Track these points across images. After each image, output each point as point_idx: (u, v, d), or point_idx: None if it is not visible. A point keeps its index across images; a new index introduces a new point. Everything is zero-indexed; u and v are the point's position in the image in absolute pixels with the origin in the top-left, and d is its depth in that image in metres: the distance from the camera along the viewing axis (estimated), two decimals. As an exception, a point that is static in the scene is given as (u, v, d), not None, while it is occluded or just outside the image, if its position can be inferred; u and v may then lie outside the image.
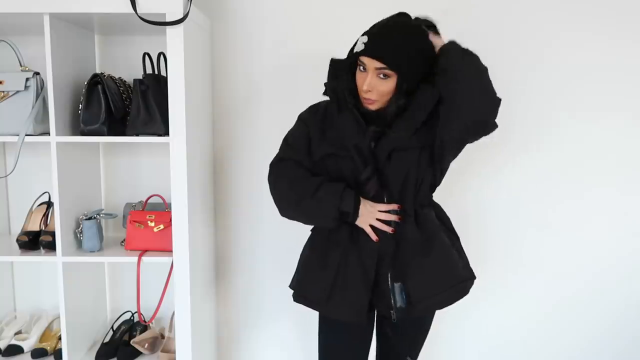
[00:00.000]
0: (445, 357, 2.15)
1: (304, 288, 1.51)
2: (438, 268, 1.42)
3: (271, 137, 1.99)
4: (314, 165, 1.45)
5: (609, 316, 2.11)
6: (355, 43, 1.38)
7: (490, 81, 1.33)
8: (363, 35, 1.35)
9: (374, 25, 1.36)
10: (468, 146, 1.44)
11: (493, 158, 1.99)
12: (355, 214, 1.37)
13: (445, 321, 2.00)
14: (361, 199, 1.38)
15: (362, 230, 1.40)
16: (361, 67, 1.34)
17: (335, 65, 1.45)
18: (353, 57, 1.36)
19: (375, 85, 1.32)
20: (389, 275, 1.40)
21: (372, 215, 1.37)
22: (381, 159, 1.38)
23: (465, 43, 1.29)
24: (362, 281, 1.40)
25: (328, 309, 1.46)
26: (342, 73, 1.41)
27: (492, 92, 1.33)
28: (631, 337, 2.12)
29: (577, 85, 1.97)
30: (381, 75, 1.31)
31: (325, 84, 1.44)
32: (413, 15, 1.40)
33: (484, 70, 1.32)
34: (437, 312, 1.54)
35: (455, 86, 1.29)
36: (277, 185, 1.47)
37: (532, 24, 1.94)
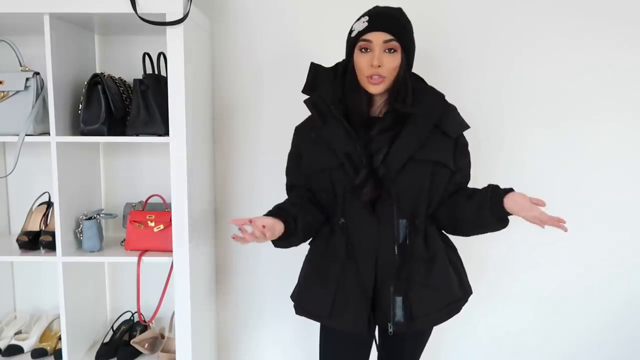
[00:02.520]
0: (444, 357, 2.15)
1: (306, 302, 1.50)
2: (438, 286, 1.41)
3: (271, 137, 2.01)
4: (306, 180, 1.47)
5: (607, 316, 2.11)
6: (350, 33, 1.39)
7: None
8: (358, 20, 1.38)
9: (368, 11, 1.39)
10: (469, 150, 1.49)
11: (492, 159, 1.99)
12: None
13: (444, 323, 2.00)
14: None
15: (358, 245, 1.40)
16: (363, 49, 1.35)
17: (316, 72, 1.46)
18: (352, 42, 1.37)
19: (384, 61, 1.33)
20: (391, 289, 1.38)
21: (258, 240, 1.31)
22: (393, 168, 1.35)
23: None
24: (361, 295, 1.39)
25: (330, 322, 1.46)
26: (322, 83, 1.43)
27: None
28: (628, 337, 2.12)
29: (576, 88, 1.97)
30: (387, 50, 1.33)
31: (305, 101, 1.44)
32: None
33: None
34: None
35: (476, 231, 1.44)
36: None
37: (529, 25, 1.94)
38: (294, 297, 1.55)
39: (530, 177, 2.01)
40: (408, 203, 1.38)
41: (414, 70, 1.44)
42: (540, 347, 2.14)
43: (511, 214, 1.33)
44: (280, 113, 1.98)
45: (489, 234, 1.42)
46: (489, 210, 1.33)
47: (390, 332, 1.39)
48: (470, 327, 2.12)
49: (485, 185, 1.41)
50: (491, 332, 2.13)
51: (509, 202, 1.31)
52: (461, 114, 1.47)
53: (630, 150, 2.01)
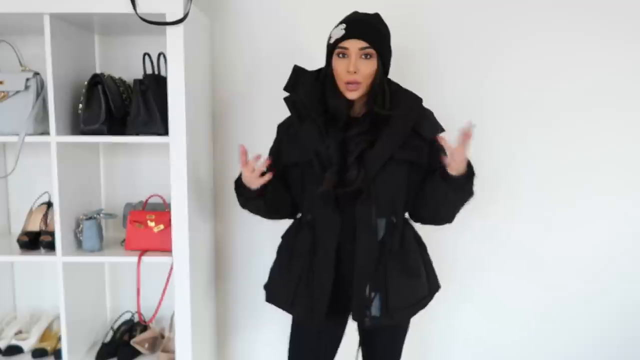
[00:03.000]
0: (436, 357, 2.15)
1: (273, 290, 1.61)
2: (411, 281, 1.49)
3: (271, 137, 2.00)
4: (280, 176, 1.52)
5: (607, 317, 2.10)
6: (329, 40, 1.43)
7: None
8: (337, 27, 1.42)
9: (346, 18, 1.43)
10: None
11: (491, 160, 1.99)
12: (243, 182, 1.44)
13: (440, 322, 2.02)
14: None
15: (321, 242, 1.46)
16: (340, 55, 1.39)
17: (297, 74, 1.50)
18: (330, 48, 1.41)
19: (360, 67, 1.37)
20: (367, 285, 1.43)
21: (248, 176, 1.40)
22: (373, 168, 1.39)
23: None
24: (321, 287, 1.45)
25: (292, 311, 1.54)
26: (302, 83, 1.47)
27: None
28: (628, 338, 2.12)
29: (577, 88, 1.97)
30: (363, 56, 1.37)
31: (285, 99, 1.49)
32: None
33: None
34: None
35: (443, 209, 1.47)
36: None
37: (530, 25, 1.94)
38: (266, 285, 1.64)
39: (530, 177, 2.01)
40: (386, 202, 1.44)
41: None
42: (540, 346, 2.13)
43: (463, 174, 1.34)
44: (280, 113, 1.96)
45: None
46: (444, 183, 1.37)
47: (367, 327, 1.45)
48: (463, 329, 2.10)
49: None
50: (492, 332, 2.12)
51: (450, 166, 1.34)
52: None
53: (630, 150, 2.01)
